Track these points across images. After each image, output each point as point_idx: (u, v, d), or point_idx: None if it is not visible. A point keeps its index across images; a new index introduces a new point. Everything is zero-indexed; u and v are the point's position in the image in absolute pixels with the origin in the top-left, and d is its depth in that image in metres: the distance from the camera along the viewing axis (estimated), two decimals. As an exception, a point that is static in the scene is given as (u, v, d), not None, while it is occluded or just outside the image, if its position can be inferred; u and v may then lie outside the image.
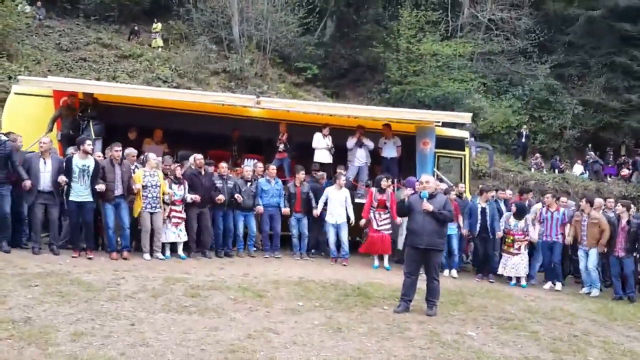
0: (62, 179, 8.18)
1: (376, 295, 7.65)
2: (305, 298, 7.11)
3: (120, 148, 8.78)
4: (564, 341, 6.27)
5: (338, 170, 11.04)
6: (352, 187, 11.13)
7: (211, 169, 9.94)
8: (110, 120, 10.96)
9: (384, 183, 10.21)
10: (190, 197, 9.14)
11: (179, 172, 9.20)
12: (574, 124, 24.58)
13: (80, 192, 8.27)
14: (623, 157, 23.96)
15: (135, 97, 11.20)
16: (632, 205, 9.83)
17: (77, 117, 10.32)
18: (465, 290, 8.68)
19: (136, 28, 23.66)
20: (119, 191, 8.62)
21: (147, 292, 6.55)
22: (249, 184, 10.01)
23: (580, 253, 9.71)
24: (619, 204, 9.79)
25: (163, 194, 8.94)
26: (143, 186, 8.73)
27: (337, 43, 26.48)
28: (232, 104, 11.76)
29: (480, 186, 10.95)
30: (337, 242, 10.25)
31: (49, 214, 8.39)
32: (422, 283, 7.16)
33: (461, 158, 12.98)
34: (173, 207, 9.09)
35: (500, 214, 10.25)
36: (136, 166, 9.20)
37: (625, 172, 22.46)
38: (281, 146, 11.50)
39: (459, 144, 12.98)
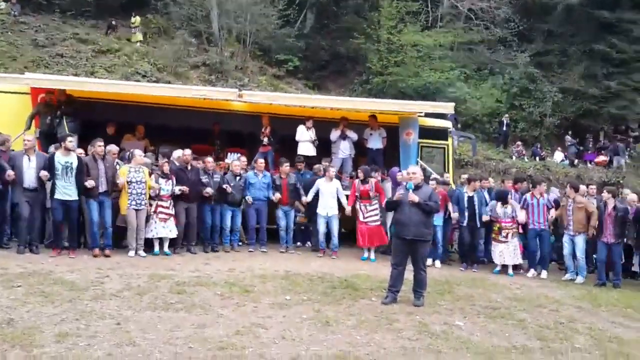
0: (44, 173, 8.03)
1: (363, 287, 7.63)
2: (292, 292, 7.06)
3: (103, 144, 8.63)
4: (550, 328, 6.31)
5: (325, 163, 10.98)
6: (338, 178, 11.07)
7: (199, 163, 9.82)
8: (90, 117, 10.81)
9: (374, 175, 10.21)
10: (178, 189, 9.02)
11: (166, 167, 9.06)
12: (554, 112, 24.82)
13: (65, 190, 8.10)
14: (602, 142, 24.29)
15: (115, 93, 11.05)
16: (617, 191, 9.93)
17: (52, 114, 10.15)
18: (451, 279, 8.70)
19: (114, 23, 23.29)
20: (102, 187, 8.47)
21: (132, 290, 6.46)
22: (237, 178, 9.91)
23: (565, 239, 9.75)
24: (604, 191, 9.88)
25: (149, 189, 8.81)
26: (128, 182, 8.60)
27: (317, 35, 26.35)
28: (214, 97, 11.64)
29: (467, 175, 10.96)
30: (327, 235, 10.18)
31: (32, 212, 8.25)
32: (409, 273, 7.15)
33: (444, 148, 13.02)
34: (160, 203, 8.95)
35: (486, 203, 10.30)
36: (117, 162, 9.06)
37: (600, 159, 22.75)
38: (265, 139, 11.43)
39: (442, 133, 13.01)
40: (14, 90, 10.56)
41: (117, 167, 8.91)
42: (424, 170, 11.43)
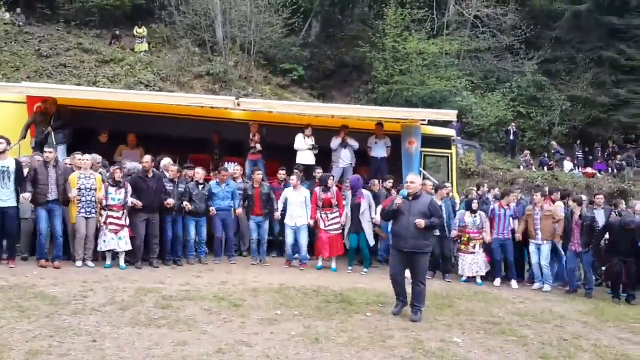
0: None
1: (359, 301, 7.35)
2: (284, 306, 6.80)
3: (52, 150, 8.35)
4: (553, 346, 5.99)
5: (317, 172, 10.70)
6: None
7: (177, 172, 9.54)
8: (86, 125, 10.70)
9: (330, 182, 9.87)
10: (131, 202, 8.56)
11: (118, 175, 8.56)
12: (562, 121, 24.41)
13: (1, 196, 7.79)
14: (611, 149, 23.84)
15: (112, 101, 10.94)
16: (583, 200, 9.93)
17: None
18: (452, 293, 8.40)
19: (118, 33, 23.23)
20: (52, 195, 8.14)
21: (116, 305, 6.22)
22: (200, 187, 9.50)
23: (532, 248, 9.67)
24: (570, 199, 9.91)
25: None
26: (78, 189, 8.25)
27: (322, 44, 26.17)
28: (211, 105, 11.47)
29: (436, 183, 10.65)
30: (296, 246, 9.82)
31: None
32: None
33: (448, 157, 12.73)
34: (110, 213, 8.48)
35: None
36: (100, 173, 8.84)
37: (589, 171, 22.23)
38: (257, 146, 11.21)
39: (445, 142, 12.72)
40: (11, 99, 10.45)
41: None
42: (427, 179, 11.23)
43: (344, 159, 11.56)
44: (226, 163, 11.31)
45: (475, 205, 9.77)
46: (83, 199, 8.30)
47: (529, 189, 16.29)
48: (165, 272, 8.45)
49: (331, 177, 10.07)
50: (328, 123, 12.26)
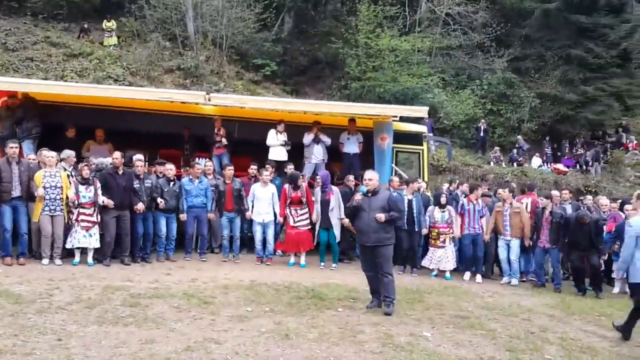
0: None
1: (331, 296, 7.36)
2: (255, 303, 6.76)
3: (16, 145, 8.19)
4: (520, 339, 6.07)
5: (288, 168, 10.68)
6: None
7: (156, 168, 9.42)
8: (54, 120, 10.50)
9: (300, 181, 9.86)
10: (102, 200, 8.45)
11: (85, 172, 8.44)
12: (531, 117, 24.80)
13: None
14: (579, 145, 24.31)
15: (80, 96, 10.73)
16: (554, 196, 10.04)
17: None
18: (422, 288, 8.47)
19: (86, 26, 22.74)
20: (16, 192, 7.99)
21: (82, 303, 6.10)
22: (171, 183, 9.37)
23: (501, 244, 9.80)
24: (541, 196, 10.01)
25: (66, 196, 8.30)
26: (43, 187, 8.09)
27: (295, 39, 26.04)
28: (181, 100, 11.34)
29: (406, 178, 10.74)
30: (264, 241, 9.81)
31: None
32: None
33: (419, 153, 12.82)
34: (82, 210, 8.36)
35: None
36: (73, 168, 8.67)
37: (559, 167, 22.67)
38: (223, 141, 11.12)
39: (417, 138, 12.81)
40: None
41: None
42: (399, 176, 11.31)
43: (317, 154, 11.55)
44: (197, 159, 11.22)
45: (443, 200, 9.87)
46: (47, 197, 8.12)
47: (499, 185, 16.55)
48: (134, 269, 8.34)
49: (301, 176, 10.04)
50: (300, 119, 12.24)
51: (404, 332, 5.97)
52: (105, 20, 22.49)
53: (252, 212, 9.78)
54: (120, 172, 8.76)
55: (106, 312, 5.87)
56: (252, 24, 23.24)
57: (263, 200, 9.70)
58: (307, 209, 9.77)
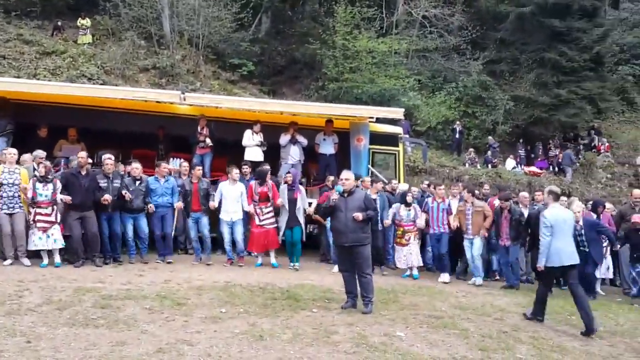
0: None
1: (306, 297, 7.34)
2: (229, 304, 6.72)
3: None
4: (493, 338, 6.13)
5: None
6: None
7: (125, 168, 9.27)
8: (25, 119, 10.34)
9: (267, 177, 9.83)
10: (60, 198, 8.25)
11: (42, 170, 8.26)
12: (505, 120, 25.06)
13: None
14: (552, 147, 24.63)
15: (52, 94, 10.58)
16: (512, 196, 10.24)
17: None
18: (397, 288, 8.51)
19: (60, 24, 22.41)
20: None
21: (52, 305, 5.99)
22: (137, 182, 9.17)
23: (466, 243, 9.86)
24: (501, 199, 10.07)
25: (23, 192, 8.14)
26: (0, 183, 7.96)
27: (272, 39, 25.97)
28: (156, 99, 11.24)
29: (370, 178, 10.79)
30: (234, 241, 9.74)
31: None
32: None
33: (395, 154, 12.90)
34: (39, 210, 8.14)
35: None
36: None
37: (533, 169, 22.95)
38: (207, 140, 11.04)
39: (393, 140, 12.89)
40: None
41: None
42: (375, 176, 11.37)
43: (293, 155, 11.55)
44: (171, 159, 11.12)
45: (409, 198, 9.92)
46: (4, 194, 7.97)
47: (475, 185, 16.67)
48: (105, 271, 8.21)
49: (269, 173, 9.98)
50: (277, 119, 12.21)
51: (378, 332, 5.98)
52: (79, 18, 22.17)
53: (219, 210, 9.67)
54: (84, 172, 8.55)
55: (77, 313, 5.78)
56: (229, 24, 23.17)
57: (231, 199, 9.61)
58: (272, 207, 9.73)
